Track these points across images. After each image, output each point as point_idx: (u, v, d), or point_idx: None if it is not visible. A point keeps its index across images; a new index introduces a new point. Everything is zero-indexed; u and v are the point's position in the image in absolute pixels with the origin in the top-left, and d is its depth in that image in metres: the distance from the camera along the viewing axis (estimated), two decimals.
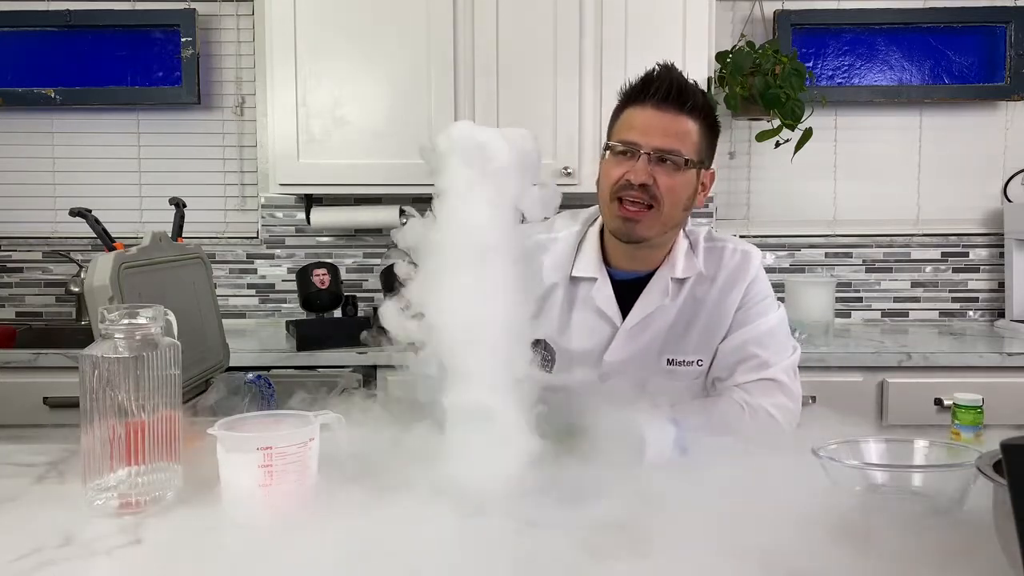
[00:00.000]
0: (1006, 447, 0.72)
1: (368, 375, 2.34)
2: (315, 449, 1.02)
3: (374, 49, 2.55)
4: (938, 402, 2.31)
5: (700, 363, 1.55)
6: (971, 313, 3.01)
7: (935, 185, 3.00)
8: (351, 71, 2.56)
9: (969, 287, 3.01)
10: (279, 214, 2.98)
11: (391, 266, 2.51)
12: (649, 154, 1.41)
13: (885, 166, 3.00)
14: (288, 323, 2.61)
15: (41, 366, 2.32)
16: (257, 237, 3.00)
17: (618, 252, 1.54)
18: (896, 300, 3.02)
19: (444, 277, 1.07)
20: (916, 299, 3.02)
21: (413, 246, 1.11)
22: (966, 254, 3.01)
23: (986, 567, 0.81)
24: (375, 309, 2.72)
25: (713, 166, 1.52)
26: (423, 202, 1.50)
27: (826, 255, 3.01)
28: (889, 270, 3.01)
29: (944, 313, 3.02)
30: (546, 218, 1.18)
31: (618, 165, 1.44)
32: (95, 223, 1.58)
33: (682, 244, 1.55)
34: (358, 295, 2.80)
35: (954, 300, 3.02)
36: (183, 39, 2.90)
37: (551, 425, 1.15)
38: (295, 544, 0.89)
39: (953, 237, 3.01)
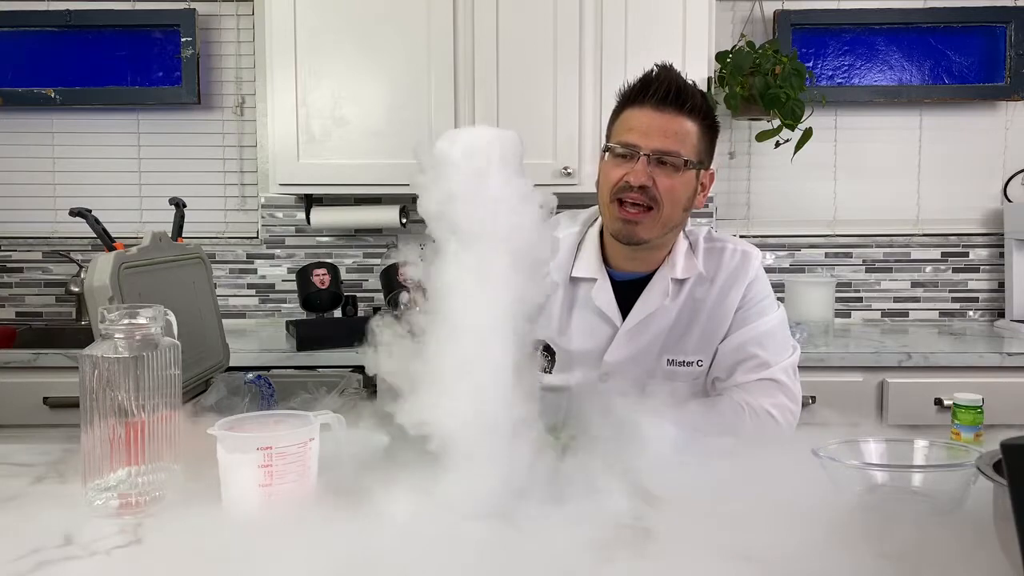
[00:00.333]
0: (1006, 447, 0.72)
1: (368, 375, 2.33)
2: (315, 449, 1.02)
3: (374, 49, 2.55)
4: (938, 402, 2.31)
5: (700, 363, 1.55)
6: (971, 313, 3.01)
7: (935, 185, 3.01)
8: (351, 71, 2.56)
9: (969, 287, 3.01)
10: (279, 214, 2.98)
11: (391, 266, 2.52)
12: (648, 156, 1.41)
13: (885, 166, 3.00)
14: (288, 323, 2.61)
15: (41, 366, 2.32)
16: (257, 237, 3.00)
17: (618, 253, 1.54)
18: (896, 300, 3.02)
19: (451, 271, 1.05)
20: (916, 299, 3.02)
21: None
22: (966, 254, 3.01)
23: (986, 567, 0.81)
24: (375, 309, 2.74)
25: (713, 166, 1.52)
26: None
27: (826, 255, 3.01)
28: (889, 270, 3.01)
29: (944, 313, 3.02)
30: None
31: (618, 167, 1.44)
32: (95, 223, 1.58)
33: (682, 245, 1.55)
34: (358, 295, 2.80)
35: (954, 300, 3.02)
36: (183, 39, 2.90)
37: (551, 425, 1.15)
38: (295, 544, 0.89)
39: (953, 237, 3.01)
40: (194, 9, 2.92)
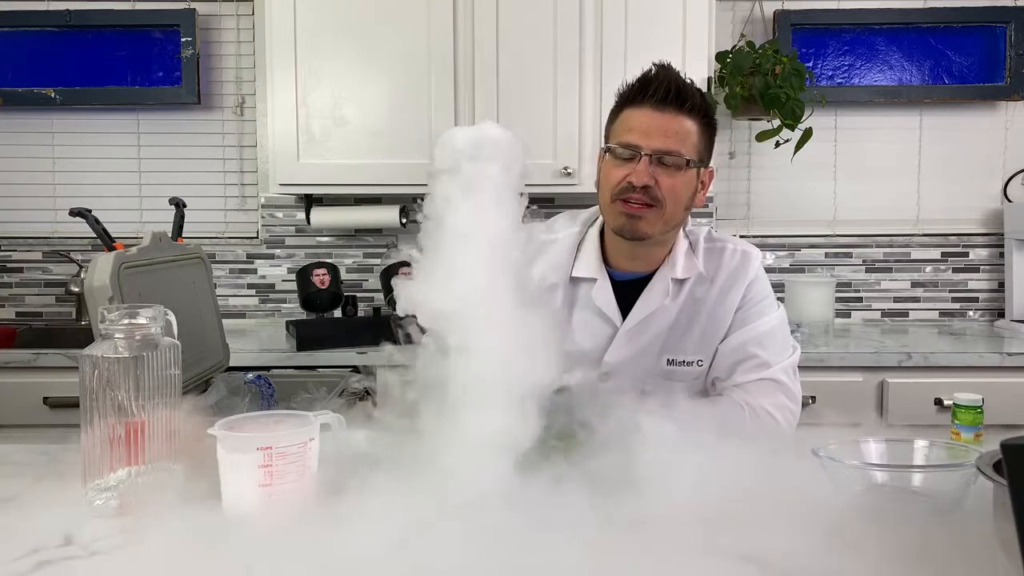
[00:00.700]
0: (1006, 447, 0.72)
1: (368, 375, 2.33)
2: (315, 449, 1.02)
3: (374, 49, 2.55)
4: (938, 402, 2.31)
5: (700, 363, 1.55)
6: (971, 313, 3.01)
7: (935, 185, 3.01)
8: (351, 71, 2.56)
9: (969, 287, 3.01)
10: (279, 214, 2.98)
11: (391, 266, 2.52)
12: (650, 156, 1.41)
13: (885, 166, 3.00)
14: (288, 323, 2.61)
15: (41, 366, 2.33)
16: (257, 237, 3.00)
17: (618, 252, 1.54)
18: (896, 300, 3.02)
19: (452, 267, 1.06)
20: (916, 299, 3.02)
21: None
22: (966, 254, 3.01)
23: (986, 567, 0.81)
24: (375, 309, 2.74)
25: (712, 165, 1.53)
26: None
27: (826, 255, 3.01)
28: (889, 270, 3.01)
29: (944, 313, 3.02)
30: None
31: (619, 167, 1.43)
32: (95, 223, 1.58)
33: (682, 244, 1.55)
34: (358, 295, 2.80)
35: (954, 300, 3.02)
36: (183, 39, 2.90)
37: (550, 425, 1.14)
38: (295, 544, 0.89)
39: (953, 237, 3.01)
40: (194, 9, 2.92)
